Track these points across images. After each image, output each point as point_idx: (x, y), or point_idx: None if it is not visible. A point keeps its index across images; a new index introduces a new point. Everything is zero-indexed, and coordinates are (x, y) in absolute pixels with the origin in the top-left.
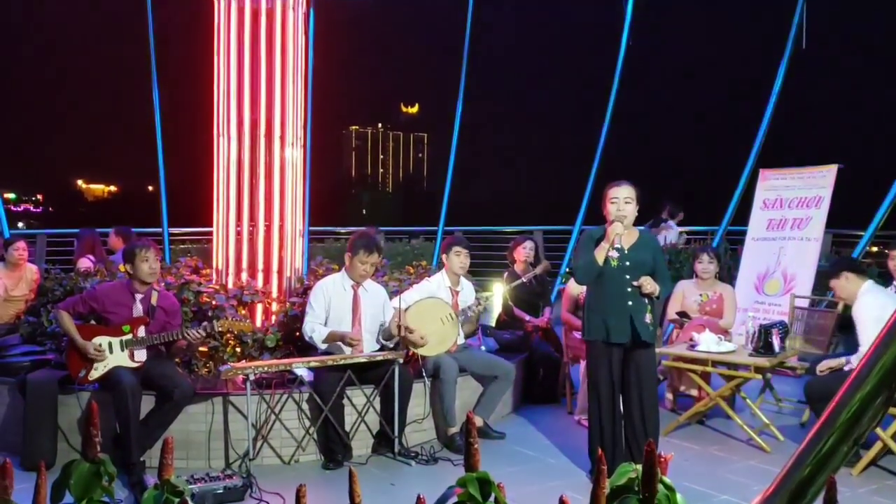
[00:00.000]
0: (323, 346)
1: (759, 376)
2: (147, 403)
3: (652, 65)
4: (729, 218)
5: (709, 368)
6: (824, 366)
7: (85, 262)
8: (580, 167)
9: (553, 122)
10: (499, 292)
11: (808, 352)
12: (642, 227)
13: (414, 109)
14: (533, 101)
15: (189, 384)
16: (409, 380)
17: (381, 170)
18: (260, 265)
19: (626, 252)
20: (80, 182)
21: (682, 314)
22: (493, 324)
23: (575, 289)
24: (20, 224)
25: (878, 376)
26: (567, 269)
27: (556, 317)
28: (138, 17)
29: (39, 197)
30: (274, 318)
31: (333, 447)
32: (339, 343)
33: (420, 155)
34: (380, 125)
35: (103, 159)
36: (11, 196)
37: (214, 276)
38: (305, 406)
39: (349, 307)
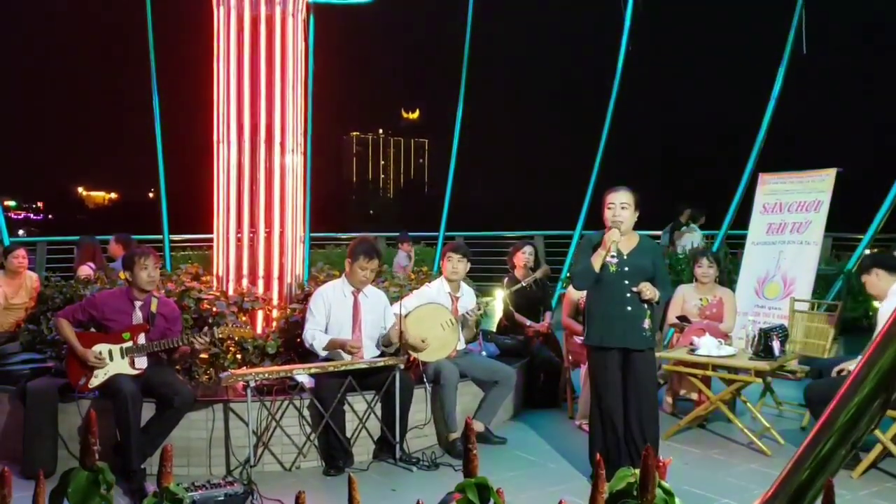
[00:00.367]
0: (323, 353)
1: (760, 380)
2: (148, 411)
3: (652, 68)
4: (728, 222)
5: (709, 372)
6: (841, 367)
7: (85, 270)
8: (581, 172)
9: (553, 126)
10: (499, 297)
11: (808, 355)
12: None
13: (415, 115)
14: (533, 105)
15: (189, 391)
16: (409, 385)
17: (382, 175)
18: (260, 272)
19: (624, 258)
20: (80, 189)
21: (683, 318)
22: (493, 329)
23: (575, 294)
24: (21, 232)
25: (875, 379)
26: (568, 275)
27: (557, 322)
28: (138, 26)
29: (40, 204)
30: (275, 324)
31: (334, 453)
32: (340, 350)
33: (421, 160)
34: (380, 131)
35: (104, 167)
36: (12, 203)
37: (215, 282)
38: (306, 412)
39: (349, 313)
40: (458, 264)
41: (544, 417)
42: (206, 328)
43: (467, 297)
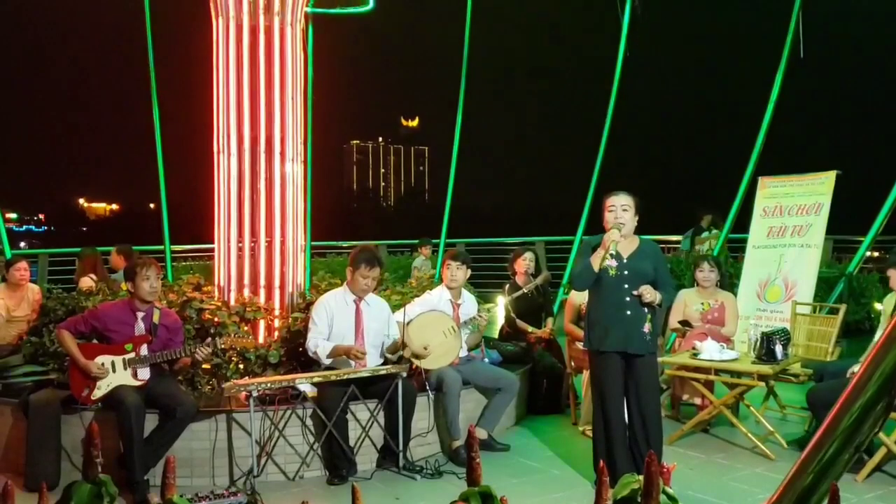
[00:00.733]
0: (327, 361)
1: (763, 384)
2: (150, 422)
3: (651, 73)
4: (729, 226)
5: (712, 377)
6: (854, 370)
7: (87, 282)
8: (581, 177)
9: (553, 131)
10: (501, 304)
11: (810, 359)
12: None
13: (414, 123)
14: (533, 110)
15: (192, 402)
16: (412, 393)
17: (382, 183)
18: (262, 281)
19: (624, 261)
20: (81, 201)
21: (684, 323)
22: (496, 335)
23: (577, 299)
24: (22, 244)
25: (878, 382)
26: (568, 280)
27: (559, 327)
28: (138, 37)
29: (41, 217)
30: (276, 334)
31: (338, 462)
32: (345, 357)
33: (421, 168)
34: (380, 139)
35: (104, 178)
36: (13, 216)
37: (216, 292)
38: (309, 422)
39: (352, 322)
40: (457, 272)
41: (547, 424)
42: (208, 339)
43: (469, 305)
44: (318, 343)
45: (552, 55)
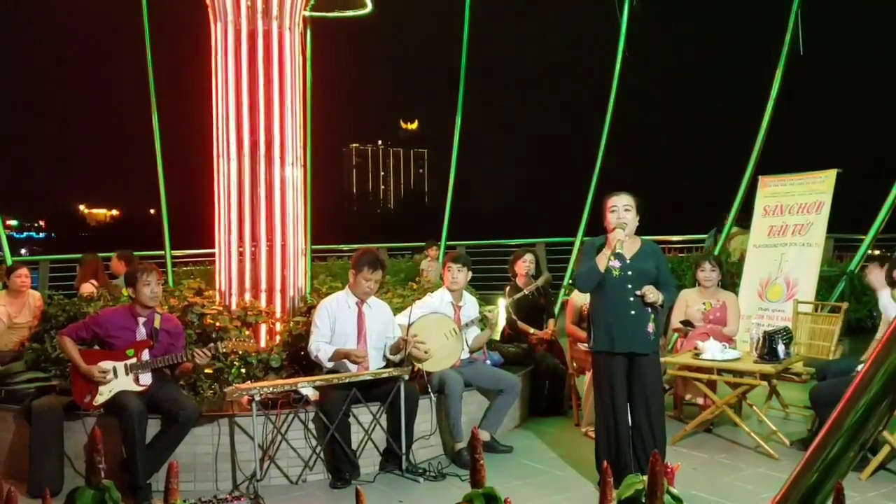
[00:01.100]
0: (329, 365)
1: (765, 383)
2: (153, 427)
3: (650, 73)
4: (730, 225)
5: (714, 376)
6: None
7: (88, 287)
8: (581, 179)
9: (553, 132)
10: (502, 306)
11: (813, 357)
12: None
13: (413, 125)
14: (532, 111)
15: (194, 406)
16: (414, 396)
17: (382, 186)
18: (263, 285)
19: (627, 262)
20: (81, 207)
21: (686, 323)
22: (497, 337)
23: (579, 300)
24: (23, 251)
25: (882, 380)
26: (570, 281)
27: (561, 328)
28: (137, 42)
29: (42, 223)
30: (278, 337)
31: (341, 466)
32: (346, 360)
33: (421, 171)
34: (380, 142)
35: (104, 184)
36: (14, 223)
37: (218, 297)
38: (312, 425)
39: (354, 324)
40: (458, 274)
41: (550, 425)
42: (210, 344)
43: (470, 307)
44: (320, 346)
45: (552, 55)
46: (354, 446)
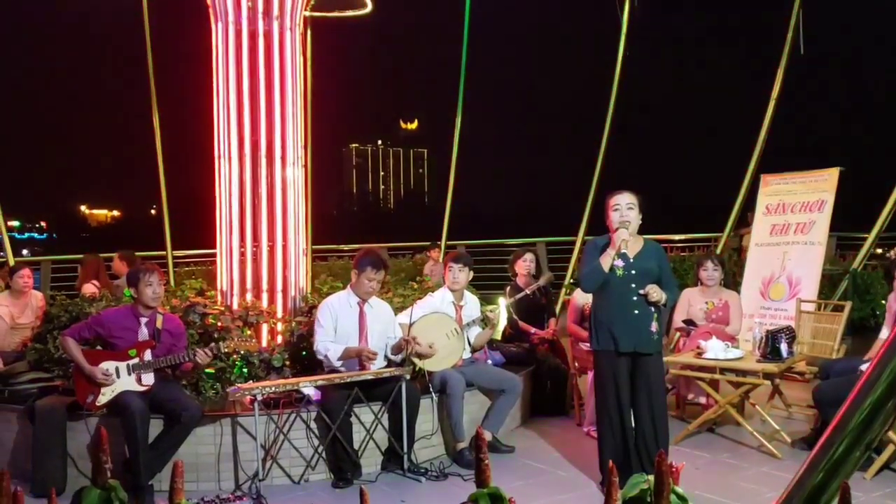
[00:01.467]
0: (338, 364)
1: (768, 382)
2: (155, 427)
3: (651, 73)
4: (732, 224)
5: (717, 376)
6: None
7: (90, 288)
8: (582, 177)
9: (554, 131)
10: (502, 305)
11: (815, 356)
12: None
13: (413, 125)
14: (533, 111)
15: (197, 406)
16: (416, 396)
17: (382, 186)
18: (264, 285)
19: (631, 261)
20: (82, 208)
21: (689, 322)
22: (498, 337)
23: (581, 299)
24: (24, 251)
25: (888, 380)
26: (570, 281)
27: (562, 328)
28: (138, 43)
29: (43, 224)
30: (280, 337)
31: (343, 465)
32: (356, 359)
33: (420, 170)
34: (379, 142)
35: (105, 185)
36: (16, 223)
37: (219, 297)
38: (314, 425)
39: (356, 324)
40: (459, 274)
41: (552, 425)
42: (211, 343)
43: (471, 306)
44: (328, 346)
45: (553, 54)
46: (356, 446)
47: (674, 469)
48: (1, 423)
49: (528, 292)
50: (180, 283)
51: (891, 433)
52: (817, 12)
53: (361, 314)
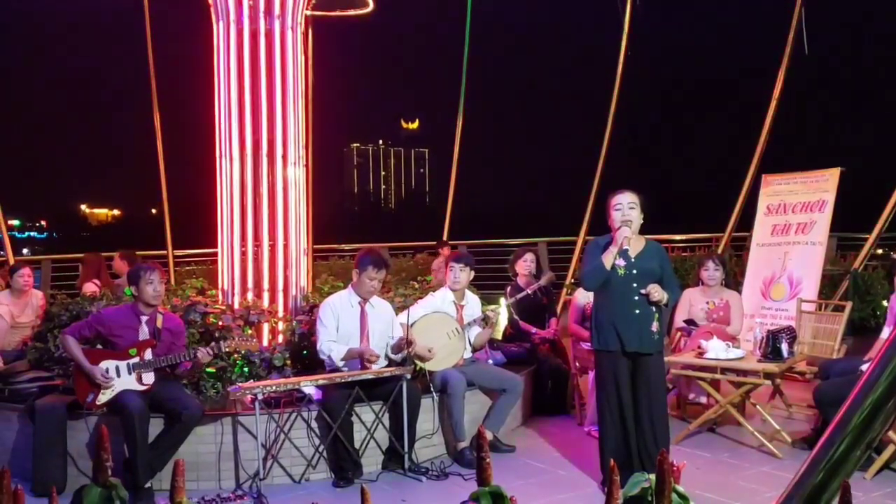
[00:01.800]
0: (341, 364)
1: (769, 382)
2: (156, 426)
3: (651, 72)
4: (733, 224)
5: (718, 375)
6: None
7: (90, 287)
8: (583, 177)
9: (555, 131)
10: (504, 305)
11: (816, 356)
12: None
13: (414, 125)
14: (535, 110)
15: (197, 405)
16: (417, 395)
17: (383, 186)
18: (265, 284)
19: (632, 260)
20: (83, 207)
21: (690, 322)
22: (499, 337)
23: (582, 299)
24: (25, 250)
25: (889, 379)
26: (571, 280)
27: (563, 328)
28: (139, 42)
29: (43, 223)
30: (281, 337)
31: (343, 465)
32: (358, 359)
33: (422, 170)
34: (381, 142)
35: (105, 184)
36: (16, 223)
37: (220, 296)
38: (314, 424)
39: (357, 323)
40: (460, 273)
41: (553, 424)
42: (212, 343)
43: (473, 306)
44: (331, 347)
45: (553, 54)
46: (357, 445)
47: (675, 468)
48: (1, 422)
49: (529, 292)
50: (181, 283)
51: (891, 433)
52: (817, 12)
53: (363, 314)
